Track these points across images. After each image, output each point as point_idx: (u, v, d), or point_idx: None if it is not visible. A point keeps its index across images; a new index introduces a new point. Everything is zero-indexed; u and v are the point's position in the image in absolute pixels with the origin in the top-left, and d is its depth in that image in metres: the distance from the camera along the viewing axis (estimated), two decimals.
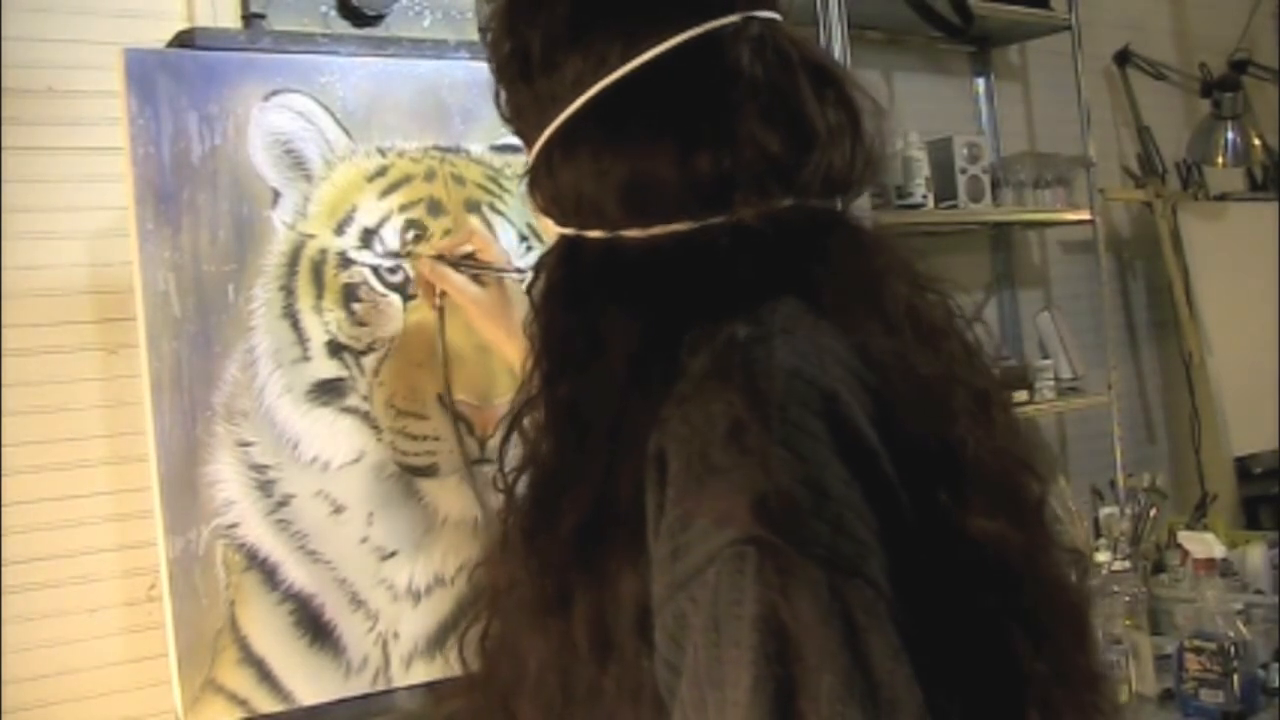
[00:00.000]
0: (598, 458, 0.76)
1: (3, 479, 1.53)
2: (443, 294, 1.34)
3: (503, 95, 0.85)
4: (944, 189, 2.45)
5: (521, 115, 0.85)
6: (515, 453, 0.83)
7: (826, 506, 0.66)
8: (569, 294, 0.82)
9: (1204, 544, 2.11)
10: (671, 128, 0.77)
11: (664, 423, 0.71)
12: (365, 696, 1.36)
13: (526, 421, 0.82)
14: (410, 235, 1.40)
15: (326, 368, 1.36)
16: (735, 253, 0.77)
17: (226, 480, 1.30)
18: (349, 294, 1.37)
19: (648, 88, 0.78)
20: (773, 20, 0.81)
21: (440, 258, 1.32)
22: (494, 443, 1.07)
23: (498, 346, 1.31)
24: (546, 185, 0.83)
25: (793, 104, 0.78)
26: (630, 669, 0.72)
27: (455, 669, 0.85)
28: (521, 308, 1.24)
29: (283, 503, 1.33)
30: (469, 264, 1.31)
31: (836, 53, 2.23)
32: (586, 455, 0.76)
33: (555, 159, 0.81)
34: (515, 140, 0.87)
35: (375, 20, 1.77)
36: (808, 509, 0.65)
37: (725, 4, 0.79)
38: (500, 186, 1.48)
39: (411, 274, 1.39)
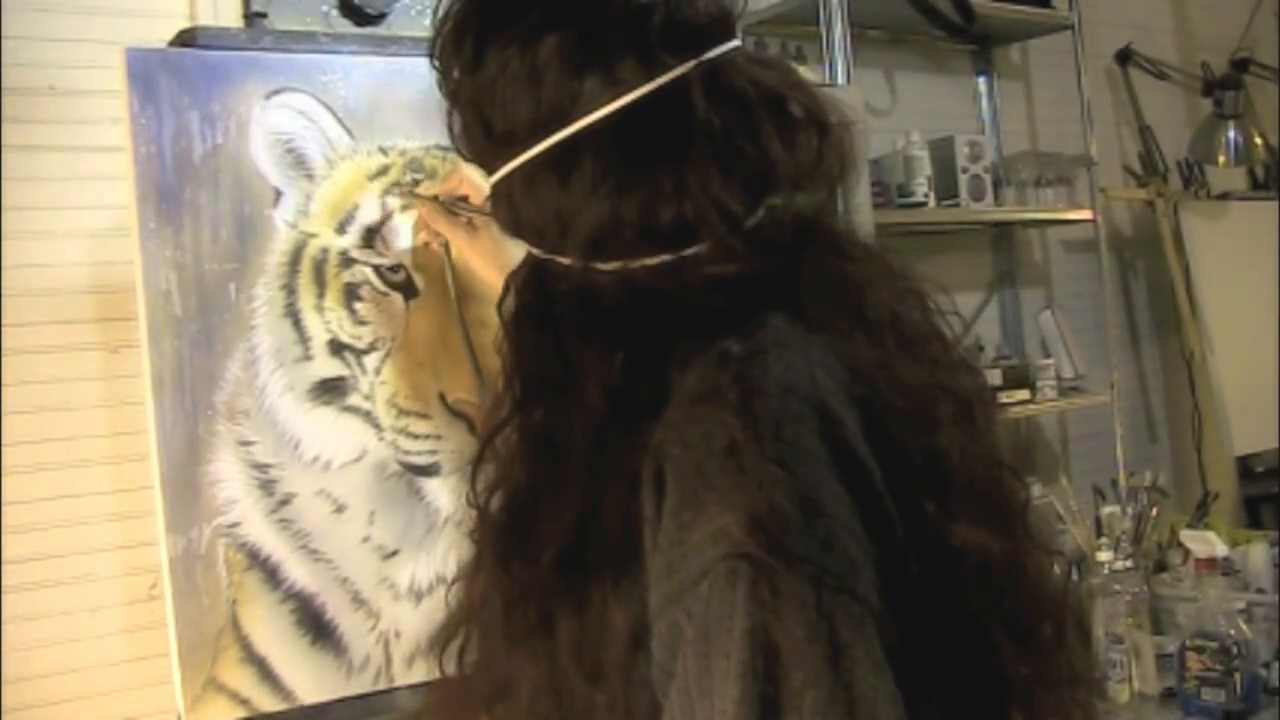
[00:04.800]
0: (576, 488, 0.76)
1: (3, 478, 1.53)
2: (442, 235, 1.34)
3: (456, 121, 0.84)
4: (946, 188, 2.45)
5: (476, 149, 0.84)
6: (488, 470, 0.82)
7: (818, 524, 0.66)
8: (539, 318, 0.82)
9: (1206, 543, 2.11)
10: (631, 182, 0.76)
11: (659, 446, 0.71)
12: (367, 695, 1.35)
13: (499, 440, 0.82)
14: (409, 179, 1.40)
15: (328, 367, 1.36)
16: (712, 277, 0.76)
17: (228, 479, 1.30)
18: (351, 293, 1.37)
19: (606, 141, 0.76)
20: (730, 56, 0.79)
21: (435, 199, 1.32)
22: None
23: (492, 285, 1.30)
24: (507, 214, 0.82)
25: (753, 149, 0.77)
26: (621, 693, 0.73)
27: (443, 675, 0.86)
28: (513, 248, 1.24)
29: (284, 502, 1.33)
30: (462, 207, 1.30)
31: (838, 52, 2.23)
32: (563, 485, 0.77)
33: (515, 194, 0.80)
34: None
35: (377, 19, 1.78)
36: (800, 526, 0.66)
37: (678, 53, 0.77)
38: None
39: (414, 274, 1.39)
